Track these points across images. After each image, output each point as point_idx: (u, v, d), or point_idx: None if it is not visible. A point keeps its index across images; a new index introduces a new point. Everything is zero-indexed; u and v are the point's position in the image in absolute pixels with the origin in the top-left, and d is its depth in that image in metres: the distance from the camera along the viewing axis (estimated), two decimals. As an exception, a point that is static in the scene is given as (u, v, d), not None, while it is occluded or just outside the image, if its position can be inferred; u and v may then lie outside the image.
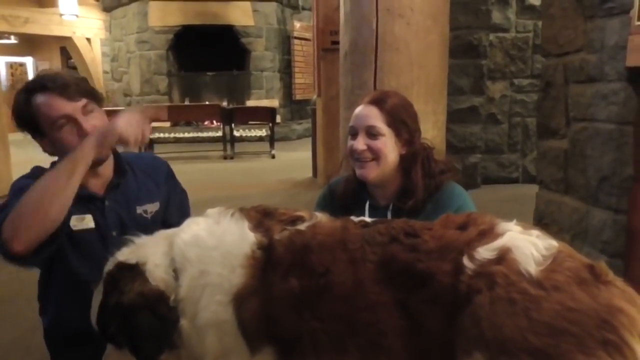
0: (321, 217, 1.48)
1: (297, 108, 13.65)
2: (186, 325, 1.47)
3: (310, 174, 7.75)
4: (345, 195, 1.94)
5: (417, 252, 1.24)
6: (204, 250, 1.46)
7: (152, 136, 10.28)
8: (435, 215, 1.68)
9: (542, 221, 3.52)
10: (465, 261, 1.18)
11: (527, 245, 1.16)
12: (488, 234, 1.22)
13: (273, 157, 9.92)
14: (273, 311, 1.34)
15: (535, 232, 1.23)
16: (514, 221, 1.27)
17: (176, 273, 1.49)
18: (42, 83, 1.69)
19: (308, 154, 8.18)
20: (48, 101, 1.67)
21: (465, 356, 1.14)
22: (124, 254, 1.55)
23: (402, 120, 1.82)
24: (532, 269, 1.12)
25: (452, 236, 1.25)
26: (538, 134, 3.62)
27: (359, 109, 1.86)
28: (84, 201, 1.77)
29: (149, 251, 1.53)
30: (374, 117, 1.81)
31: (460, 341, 1.15)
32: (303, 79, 13.46)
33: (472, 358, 1.12)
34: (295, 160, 9.37)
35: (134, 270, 1.50)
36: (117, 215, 1.85)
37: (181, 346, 1.50)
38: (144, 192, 1.92)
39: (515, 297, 1.09)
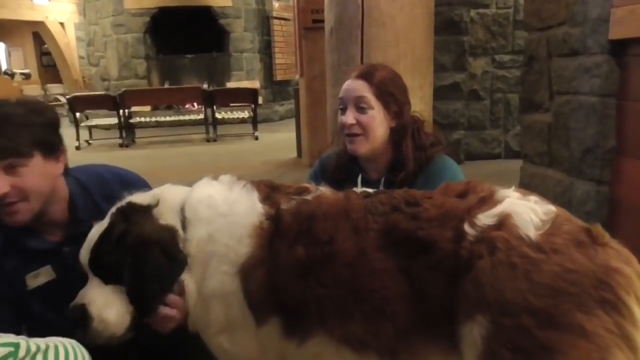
0: (324, 189, 1.50)
1: (278, 89, 13.55)
2: (191, 287, 1.47)
3: (294, 154, 7.75)
4: (337, 170, 1.96)
5: (418, 221, 1.27)
6: (215, 214, 1.47)
7: (132, 120, 10.17)
8: (427, 188, 1.71)
9: (526, 194, 3.58)
10: (466, 228, 1.21)
11: (526, 210, 1.19)
12: (488, 200, 1.24)
13: (256, 138, 9.87)
14: (279, 280, 1.37)
15: (534, 197, 1.26)
16: (512, 188, 1.30)
17: (185, 225, 1.49)
18: None
19: (291, 135, 8.16)
20: None
21: (468, 320, 1.17)
22: (136, 197, 1.55)
23: (391, 93, 1.84)
24: (532, 233, 1.15)
25: (453, 204, 1.28)
26: (521, 108, 3.65)
27: (347, 83, 1.87)
28: (38, 255, 1.66)
29: (162, 196, 1.54)
30: (363, 90, 1.82)
31: (463, 305, 1.18)
32: (284, 60, 13.34)
33: (475, 321, 1.15)
34: (278, 141, 9.35)
35: (146, 210, 1.49)
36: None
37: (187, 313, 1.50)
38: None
39: (516, 260, 1.12)
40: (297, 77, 7.91)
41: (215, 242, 1.43)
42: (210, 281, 1.43)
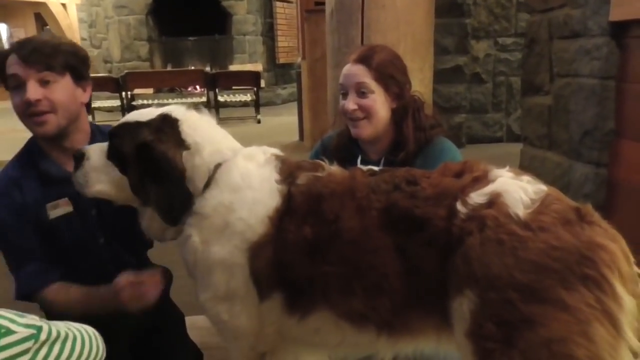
0: (334, 167, 1.53)
1: (281, 72, 13.50)
2: (197, 244, 1.49)
3: (296, 137, 7.76)
4: (338, 149, 1.98)
5: (415, 199, 1.31)
6: (245, 185, 1.48)
7: (134, 103, 10.17)
8: (425, 169, 1.74)
9: (526, 177, 3.59)
10: (459, 206, 1.25)
11: (516, 189, 1.22)
12: (481, 180, 1.28)
13: (259, 121, 9.87)
14: (286, 257, 1.41)
15: (526, 177, 1.29)
16: (507, 167, 1.33)
17: (210, 182, 1.51)
18: (19, 44, 1.70)
19: (294, 118, 8.15)
20: (9, 61, 1.68)
21: (457, 294, 1.21)
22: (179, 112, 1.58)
23: (390, 75, 1.85)
24: (521, 211, 1.19)
25: (448, 183, 1.32)
26: (522, 91, 3.66)
27: (346, 68, 1.88)
28: (58, 183, 1.74)
29: (209, 139, 1.55)
30: (362, 75, 1.83)
31: (453, 280, 1.22)
32: (286, 42, 13.28)
33: (464, 295, 1.20)
34: (281, 124, 9.35)
35: (174, 126, 1.53)
36: None
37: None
38: None
39: (504, 237, 1.16)
40: (299, 59, 7.88)
41: (234, 214, 1.45)
42: (221, 249, 1.45)
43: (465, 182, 1.29)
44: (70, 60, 1.73)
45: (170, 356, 1.98)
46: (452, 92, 6.33)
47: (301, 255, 1.39)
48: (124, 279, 1.65)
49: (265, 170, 1.51)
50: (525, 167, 3.65)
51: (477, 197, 1.24)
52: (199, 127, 1.57)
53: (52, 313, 1.74)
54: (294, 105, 10.04)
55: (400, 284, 1.30)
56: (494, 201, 1.22)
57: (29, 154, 1.80)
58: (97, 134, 1.86)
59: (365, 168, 1.51)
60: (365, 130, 1.87)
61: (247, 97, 10.81)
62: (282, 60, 13.30)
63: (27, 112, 1.67)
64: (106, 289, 1.67)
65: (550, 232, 1.15)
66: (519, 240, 1.15)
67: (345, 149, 1.98)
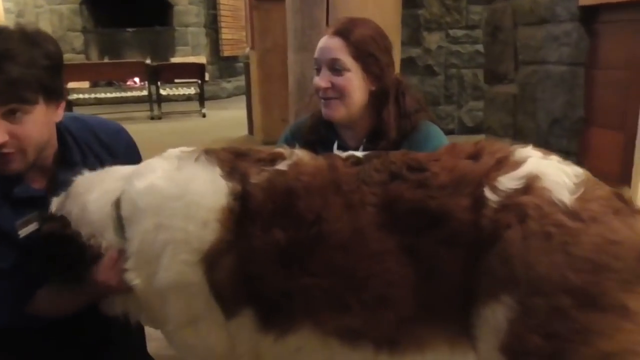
0: (301, 153, 1.29)
1: (225, 65, 13.12)
2: (142, 286, 1.29)
3: (245, 132, 7.50)
4: (311, 132, 1.78)
5: (427, 188, 1.10)
6: (161, 200, 1.26)
7: (70, 97, 9.57)
8: None
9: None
10: (487, 193, 1.04)
11: (556, 171, 1.04)
12: (507, 161, 1.08)
13: (204, 116, 9.51)
14: (254, 269, 1.18)
15: (556, 157, 1.12)
16: (530, 145, 1.15)
17: (122, 225, 1.30)
18: None
19: (241, 112, 7.89)
20: None
21: (490, 300, 1.02)
22: (57, 202, 1.40)
23: (371, 53, 1.66)
24: (566, 198, 1.00)
25: (467, 166, 1.10)
26: (485, 80, 3.60)
27: (323, 40, 1.69)
28: (24, 203, 1.52)
29: (90, 198, 1.36)
30: (338, 49, 1.64)
31: (484, 283, 1.03)
32: (231, 35, 12.90)
33: (499, 301, 1.01)
34: (227, 118, 9.04)
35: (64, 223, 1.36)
36: None
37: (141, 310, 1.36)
38: None
39: (551, 230, 0.98)
40: (247, 50, 7.62)
41: (168, 230, 1.23)
42: (167, 273, 1.23)
43: (488, 164, 1.08)
44: (43, 80, 1.39)
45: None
46: (409, 85, 6.26)
47: (273, 266, 1.17)
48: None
49: (194, 169, 1.28)
50: (487, 158, 3.60)
51: (508, 181, 1.04)
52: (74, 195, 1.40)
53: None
54: (240, 99, 9.74)
55: (409, 294, 1.10)
56: (532, 186, 1.02)
57: None
58: (68, 138, 1.59)
59: (345, 155, 1.28)
60: (336, 112, 1.68)
61: (191, 91, 10.42)
62: (226, 53, 12.91)
63: None
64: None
65: (604, 223, 0.98)
66: (570, 233, 0.97)
67: (320, 132, 1.79)
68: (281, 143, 1.86)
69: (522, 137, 3.19)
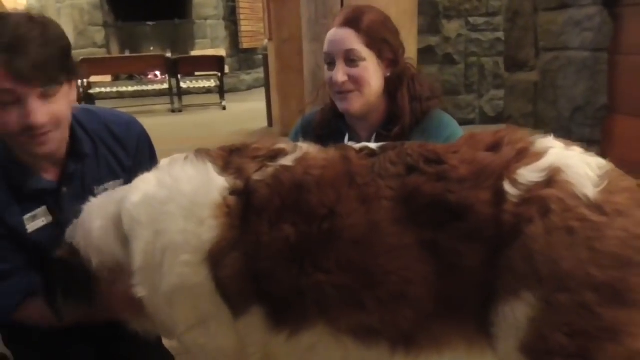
0: (307, 147, 1.26)
1: (244, 57, 13.14)
2: (149, 297, 1.29)
3: (264, 124, 7.50)
4: (321, 127, 1.75)
5: (446, 182, 1.06)
6: (155, 206, 1.25)
7: (92, 91, 9.70)
8: None
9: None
10: (507, 187, 1.01)
11: (579, 164, 1.00)
12: (527, 152, 1.04)
13: (224, 108, 9.55)
14: (262, 266, 1.16)
15: (578, 148, 1.08)
16: (552, 135, 1.10)
17: (124, 241, 1.31)
18: (7, 54, 1.32)
19: (260, 104, 7.89)
20: None
21: (511, 297, 0.98)
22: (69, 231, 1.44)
23: (383, 38, 1.63)
24: (590, 191, 0.96)
25: (486, 159, 1.06)
26: (505, 67, 3.53)
27: (332, 33, 1.65)
28: (36, 196, 1.53)
29: (94, 226, 1.38)
30: (351, 40, 1.61)
31: (505, 280, 1.00)
32: (250, 27, 12.90)
33: (520, 298, 0.97)
34: (247, 110, 9.06)
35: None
36: (77, 200, 1.56)
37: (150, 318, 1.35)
38: (105, 170, 1.66)
39: (574, 225, 0.94)
40: (265, 41, 7.61)
41: (166, 234, 1.22)
42: (169, 277, 1.22)
43: (508, 155, 1.04)
44: (63, 58, 1.43)
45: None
46: (424, 73, 6.17)
47: (283, 263, 1.14)
48: None
49: (183, 169, 1.27)
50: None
51: (529, 174, 1.00)
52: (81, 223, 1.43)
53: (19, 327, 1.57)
54: (260, 91, 9.75)
55: (427, 291, 1.06)
56: (554, 179, 0.98)
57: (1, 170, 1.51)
58: (79, 130, 1.59)
59: (358, 146, 1.24)
60: (356, 104, 1.64)
61: (211, 84, 10.45)
62: (245, 45, 12.92)
63: (26, 134, 1.38)
64: None
65: (629, 216, 0.94)
66: (594, 227, 0.93)
67: (330, 126, 1.76)
68: (292, 136, 1.84)
69: (543, 125, 3.12)
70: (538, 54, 3.10)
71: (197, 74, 10.87)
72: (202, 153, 1.29)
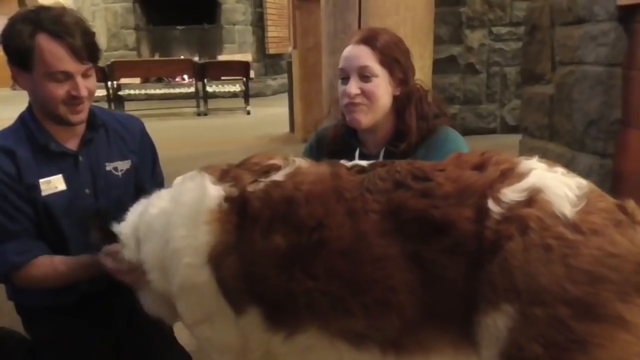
0: (300, 162, 1.35)
1: (271, 63, 13.32)
2: (162, 290, 1.46)
3: (287, 129, 7.62)
4: (334, 142, 1.84)
5: (431, 198, 1.12)
6: (166, 218, 1.41)
7: (122, 93, 9.96)
8: (427, 160, 1.61)
9: (525, 169, 3.51)
10: (491, 205, 1.07)
11: (558, 184, 1.06)
12: (511, 173, 1.10)
13: (248, 113, 9.70)
14: (257, 270, 1.25)
15: (560, 169, 1.13)
16: (536, 157, 1.17)
17: (139, 243, 1.48)
18: (56, 28, 1.58)
19: (284, 110, 8.01)
20: (56, 52, 1.58)
21: (491, 309, 1.05)
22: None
23: (395, 58, 1.72)
24: (568, 211, 1.02)
25: (471, 177, 1.13)
26: (523, 80, 3.56)
27: (348, 50, 1.74)
28: (55, 158, 1.71)
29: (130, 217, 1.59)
30: (366, 56, 1.70)
31: (486, 292, 1.06)
32: (276, 32, 13.08)
33: (500, 310, 1.03)
34: (271, 115, 9.20)
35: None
36: (90, 171, 1.78)
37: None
38: (115, 149, 1.84)
39: (551, 242, 1.00)
40: (290, 49, 7.73)
41: (170, 242, 1.36)
42: (175, 278, 1.36)
43: (493, 175, 1.10)
44: (96, 46, 1.71)
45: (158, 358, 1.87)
46: (446, 82, 6.22)
47: (275, 269, 1.22)
48: (111, 248, 1.61)
49: (186, 183, 1.43)
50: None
51: (512, 193, 1.06)
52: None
53: (24, 289, 1.74)
54: (284, 96, 9.87)
55: (412, 299, 1.12)
56: (535, 198, 1.04)
57: (24, 126, 1.73)
58: (92, 107, 1.81)
59: (350, 164, 1.33)
60: (364, 117, 1.72)
61: (237, 88, 10.63)
62: (272, 51, 13.10)
63: (69, 102, 1.65)
64: (91, 257, 1.65)
65: (604, 235, 0.99)
66: (570, 245, 0.99)
67: (343, 141, 1.85)
68: (306, 149, 1.94)
69: (558, 138, 3.15)
70: (554, 68, 3.13)
71: (223, 78, 11.06)
72: (204, 168, 1.43)
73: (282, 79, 12.64)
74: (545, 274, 0.99)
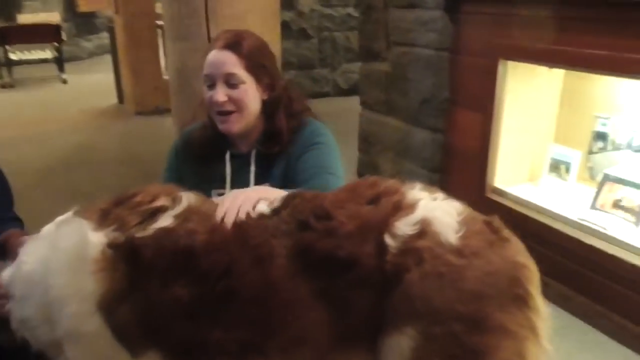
0: (187, 198, 1.31)
1: (83, 22, 11.97)
2: (48, 341, 1.34)
3: (114, 99, 7.04)
4: (202, 145, 1.80)
5: (335, 238, 1.19)
6: (44, 266, 1.30)
7: None
8: (302, 158, 1.69)
9: (367, 139, 3.76)
10: (388, 239, 1.17)
11: (443, 215, 1.19)
12: (401, 205, 1.22)
13: (65, 82, 8.71)
14: (157, 320, 1.21)
15: (440, 194, 1.27)
16: (418, 185, 1.28)
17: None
18: None
19: (106, 76, 7.36)
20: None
21: (395, 332, 1.16)
22: None
23: (262, 64, 1.70)
24: (452, 238, 1.16)
25: (369, 214, 1.22)
26: (360, 56, 3.74)
27: (213, 55, 1.68)
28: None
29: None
30: (232, 63, 1.66)
31: (391, 318, 1.17)
32: (86, -12, 11.78)
33: (403, 333, 1.15)
34: (92, 84, 8.37)
35: None
36: None
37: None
38: None
39: (443, 270, 1.13)
40: (107, 10, 7.06)
41: (51, 290, 1.26)
42: (61, 325, 1.26)
43: (387, 210, 1.21)
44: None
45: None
46: (281, 48, 6.25)
47: (178, 319, 1.20)
48: None
49: (66, 228, 1.32)
50: (364, 129, 3.79)
51: (405, 227, 1.17)
52: None
53: None
54: (103, 59, 9.00)
55: (324, 332, 1.20)
56: (425, 230, 1.17)
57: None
58: None
59: (255, 213, 1.29)
60: (235, 125, 1.71)
61: (47, 54, 9.44)
62: (83, 9, 11.79)
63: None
64: None
65: (482, 257, 1.15)
66: (457, 271, 1.13)
67: (212, 144, 1.81)
68: (171, 153, 1.85)
69: (395, 113, 3.41)
70: (389, 47, 3.34)
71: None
72: (79, 212, 1.33)
73: (99, 40, 11.54)
74: (439, 298, 1.13)
